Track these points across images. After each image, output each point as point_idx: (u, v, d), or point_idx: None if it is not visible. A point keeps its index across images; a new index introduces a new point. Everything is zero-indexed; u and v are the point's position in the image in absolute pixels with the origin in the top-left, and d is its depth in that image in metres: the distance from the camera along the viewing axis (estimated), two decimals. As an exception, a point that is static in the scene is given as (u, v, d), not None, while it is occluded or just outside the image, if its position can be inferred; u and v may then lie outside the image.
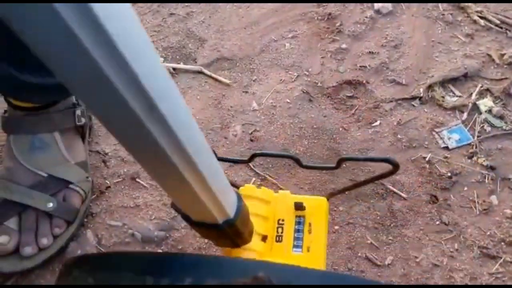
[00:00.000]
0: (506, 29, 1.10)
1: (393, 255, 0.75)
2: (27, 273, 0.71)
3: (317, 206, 0.51)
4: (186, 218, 0.37)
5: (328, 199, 0.53)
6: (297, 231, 0.50)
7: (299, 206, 0.51)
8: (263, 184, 0.84)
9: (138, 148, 0.25)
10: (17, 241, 0.69)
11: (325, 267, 0.49)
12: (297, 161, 0.50)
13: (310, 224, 0.50)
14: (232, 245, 0.42)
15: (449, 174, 0.84)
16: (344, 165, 0.86)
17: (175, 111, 0.24)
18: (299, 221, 0.51)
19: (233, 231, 0.38)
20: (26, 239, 0.69)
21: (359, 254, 0.75)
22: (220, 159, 0.54)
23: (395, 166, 0.42)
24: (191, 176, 0.28)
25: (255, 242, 0.46)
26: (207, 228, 0.36)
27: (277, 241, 0.49)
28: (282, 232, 0.50)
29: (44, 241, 0.70)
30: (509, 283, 0.71)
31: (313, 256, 0.48)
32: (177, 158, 0.26)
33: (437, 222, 0.78)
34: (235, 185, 0.56)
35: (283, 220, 0.51)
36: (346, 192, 0.82)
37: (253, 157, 0.52)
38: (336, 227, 0.78)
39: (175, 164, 0.26)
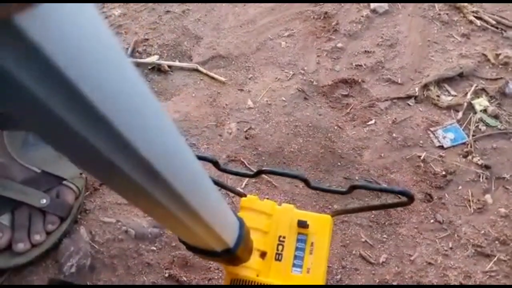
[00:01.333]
0: (502, 29, 1.10)
1: (387, 253, 0.75)
2: (20, 269, 0.70)
3: (321, 225, 0.49)
4: (180, 240, 0.36)
5: (333, 217, 0.52)
6: (298, 249, 0.49)
7: (302, 225, 0.49)
8: (258, 182, 0.84)
9: (136, 201, 0.24)
10: (10, 237, 0.69)
11: None
12: (306, 182, 0.48)
13: (312, 244, 0.49)
14: (229, 264, 0.41)
15: (443, 173, 0.84)
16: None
17: (179, 173, 0.22)
18: (301, 239, 0.49)
19: (231, 258, 0.37)
20: (19, 235, 0.69)
21: (353, 252, 0.75)
22: (224, 171, 0.52)
23: (411, 199, 0.41)
24: (191, 220, 0.27)
25: (253, 259, 0.45)
26: (204, 253, 0.35)
27: (276, 260, 0.48)
28: (282, 250, 0.48)
29: (37, 237, 0.70)
30: (503, 281, 0.71)
31: (313, 278, 0.46)
32: (178, 209, 0.24)
33: (432, 221, 0.78)
34: (239, 194, 0.54)
35: (284, 237, 0.48)
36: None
37: (259, 173, 0.49)
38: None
39: (176, 213, 0.24)
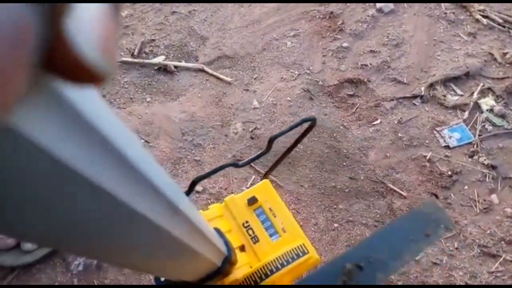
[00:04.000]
0: (509, 28, 1.09)
1: (392, 253, 0.75)
2: (28, 267, 0.71)
3: (264, 191, 0.52)
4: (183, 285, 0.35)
5: (267, 178, 0.54)
6: (263, 222, 0.51)
7: (252, 201, 0.52)
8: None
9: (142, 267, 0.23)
10: (18, 236, 0.70)
11: (305, 235, 0.50)
12: (234, 165, 0.50)
13: (270, 209, 0.51)
14: (226, 275, 0.42)
15: (449, 173, 0.84)
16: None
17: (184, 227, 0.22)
18: (259, 213, 0.52)
19: (231, 264, 0.37)
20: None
21: (358, 252, 0.75)
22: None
23: (313, 121, 0.44)
24: (193, 241, 0.26)
25: (239, 257, 0.46)
26: (209, 277, 0.35)
27: (255, 243, 0.50)
28: (254, 233, 0.50)
29: (45, 236, 0.71)
30: (509, 282, 0.71)
31: (292, 233, 0.49)
32: (185, 232, 0.24)
33: (437, 221, 0.78)
34: None
35: (247, 222, 0.51)
36: (346, 190, 0.82)
37: (193, 185, 0.51)
38: (336, 225, 0.78)
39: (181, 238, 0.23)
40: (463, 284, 0.70)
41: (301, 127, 0.48)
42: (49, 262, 0.73)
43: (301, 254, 0.47)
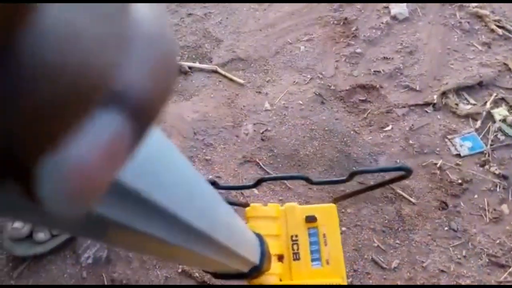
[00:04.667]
0: (524, 39, 1.09)
1: (399, 258, 0.74)
2: (39, 258, 0.73)
3: (327, 215, 0.50)
4: (206, 270, 0.36)
5: (335, 204, 0.52)
6: (312, 244, 0.49)
7: (310, 219, 0.50)
8: (272, 183, 0.85)
9: (169, 257, 0.24)
10: (31, 227, 0.71)
11: (346, 276, 0.48)
12: (307, 180, 0.49)
13: (324, 235, 0.49)
14: (254, 278, 0.42)
15: (460, 181, 0.83)
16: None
17: (220, 227, 0.23)
18: (313, 234, 0.50)
19: (259, 273, 0.37)
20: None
21: (366, 256, 0.75)
22: (224, 188, 0.54)
23: (408, 172, 0.41)
24: (223, 256, 0.27)
25: (273, 264, 0.45)
26: (232, 277, 0.36)
27: (294, 259, 0.48)
28: (298, 249, 0.49)
29: (57, 228, 0.72)
30: (517, 292, 0.70)
31: (334, 268, 0.47)
32: (213, 252, 0.24)
33: (446, 228, 0.78)
34: (242, 205, 0.55)
35: (296, 236, 0.49)
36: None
37: (259, 182, 0.50)
38: (344, 229, 0.78)
39: (209, 255, 0.24)
40: (471, 292, 0.70)
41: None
42: (60, 253, 0.74)
43: None
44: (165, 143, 0.16)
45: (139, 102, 0.08)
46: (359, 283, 0.72)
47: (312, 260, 0.49)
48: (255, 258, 0.36)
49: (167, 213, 0.15)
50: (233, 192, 0.83)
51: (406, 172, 0.42)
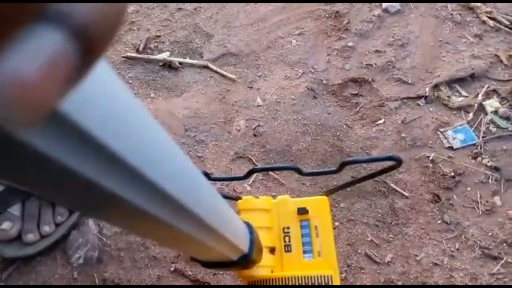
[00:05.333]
0: (516, 30, 1.08)
1: (393, 252, 0.74)
2: (29, 259, 0.72)
3: (319, 206, 0.50)
4: (194, 259, 0.36)
5: (328, 196, 0.52)
6: (304, 236, 0.49)
7: (302, 211, 0.50)
8: (265, 179, 0.84)
9: (154, 236, 0.24)
10: (20, 228, 0.70)
11: (338, 268, 0.48)
12: (298, 171, 0.48)
13: (316, 227, 0.49)
14: (244, 269, 0.42)
15: (452, 174, 0.83)
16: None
17: (202, 202, 0.22)
18: (304, 226, 0.50)
19: (247, 262, 0.37)
20: (29, 226, 0.70)
21: (359, 251, 0.75)
22: (215, 179, 0.53)
23: (399, 162, 0.42)
24: (210, 239, 0.26)
25: (264, 256, 0.45)
26: (221, 266, 0.36)
27: (286, 251, 0.48)
28: (289, 241, 0.49)
29: (46, 229, 0.71)
30: (510, 284, 0.70)
31: (325, 260, 0.47)
32: (199, 233, 0.24)
33: (439, 221, 0.78)
34: (234, 198, 0.55)
35: (288, 228, 0.49)
36: (348, 189, 0.82)
37: (250, 173, 0.50)
38: (337, 224, 0.78)
39: (195, 237, 0.24)
40: (463, 285, 0.70)
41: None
42: (50, 254, 0.73)
43: (323, 284, 0.45)
44: (135, 102, 0.15)
45: (84, 23, 0.09)
46: (353, 278, 0.71)
47: (304, 252, 0.49)
48: (243, 245, 0.35)
49: (130, 168, 0.14)
50: (226, 189, 0.82)
51: (396, 162, 0.42)
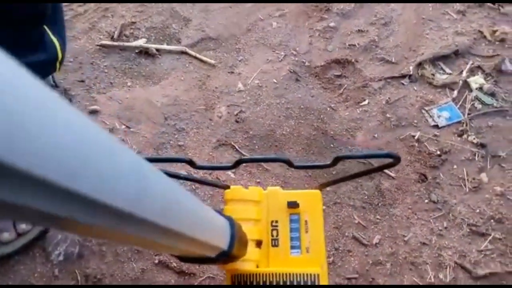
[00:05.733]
0: (499, 5, 1.07)
1: (381, 234, 0.73)
2: (6, 259, 0.69)
3: (311, 201, 0.48)
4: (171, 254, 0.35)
5: (321, 190, 0.50)
6: (292, 231, 0.47)
7: (292, 205, 0.47)
8: (249, 165, 0.82)
9: (126, 242, 0.23)
10: (-5, 227, 0.67)
11: (327, 266, 0.46)
12: (288, 163, 0.46)
13: (306, 222, 0.47)
14: (227, 263, 0.40)
15: (438, 153, 0.82)
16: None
17: (174, 216, 0.22)
18: (294, 220, 0.47)
19: (228, 258, 0.35)
20: (4, 225, 0.67)
21: (346, 234, 0.73)
22: (201, 168, 0.51)
23: (397, 159, 0.40)
24: (183, 243, 0.26)
25: (250, 250, 0.43)
26: (199, 261, 0.35)
27: (273, 246, 0.46)
28: (277, 235, 0.46)
29: (23, 226, 0.68)
30: (498, 259, 0.70)
31: (313, 257, 0.45)
32: (171, 239, 0.23)
33: (426, 201, 0.77)
34: (222, 186, 0.52)
35: (276, 222, 0.47)
36: (333, 172, 0.80)
37: (237, 163, 0.47)
38: (324, 207, 0.76)
39: (168, 243, 0.24)
40: (452, 263, 0.70)
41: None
42: (28, 252, 0.70)
43: (309, 283, 0.43)
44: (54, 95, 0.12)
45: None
46: (340, 262, 0.70)
47: (292, 247, 0.47)
48: (222, 242, 0.33)
49: (86, 198, 0.13)
50: (209, 177, 0.80)
51: (394, 160, 0.40)
